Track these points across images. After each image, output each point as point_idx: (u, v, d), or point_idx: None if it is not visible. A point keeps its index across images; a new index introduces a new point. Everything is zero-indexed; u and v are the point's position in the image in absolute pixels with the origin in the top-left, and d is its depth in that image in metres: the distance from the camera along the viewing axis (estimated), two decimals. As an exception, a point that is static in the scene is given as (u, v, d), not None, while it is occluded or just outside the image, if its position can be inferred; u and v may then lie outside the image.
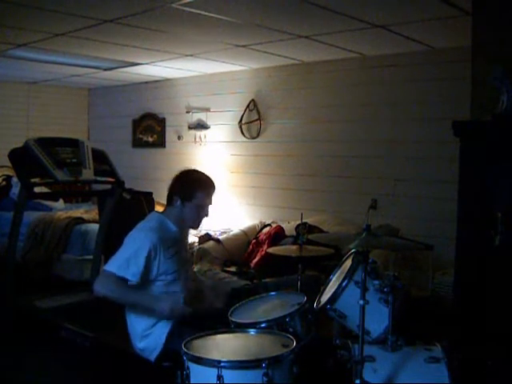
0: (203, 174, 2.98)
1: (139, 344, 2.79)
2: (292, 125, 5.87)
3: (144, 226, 2.79)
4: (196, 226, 3.02)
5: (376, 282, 2.46)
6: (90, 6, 3.75)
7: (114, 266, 2.64)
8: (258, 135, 6.13)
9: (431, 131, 4.72)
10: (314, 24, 4.15)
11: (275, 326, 2.64)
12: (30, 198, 4.52)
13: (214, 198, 2.97)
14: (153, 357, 2.75)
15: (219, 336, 2.48)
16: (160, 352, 2.74)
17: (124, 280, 2.64)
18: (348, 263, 2.70)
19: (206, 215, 2.92)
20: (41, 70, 6.47)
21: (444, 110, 4.56)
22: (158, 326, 2.75)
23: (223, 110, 6.48)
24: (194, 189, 2.86)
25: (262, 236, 5.18)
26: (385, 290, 2.41)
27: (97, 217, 5.83)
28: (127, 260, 2.65)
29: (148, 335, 2.75)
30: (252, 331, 2.54)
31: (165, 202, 2.97)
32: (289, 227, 5.12)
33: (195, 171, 3.01)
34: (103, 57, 5.58)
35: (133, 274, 2.64)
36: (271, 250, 3.82)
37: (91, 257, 5.29)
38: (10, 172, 6.40)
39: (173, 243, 2.83)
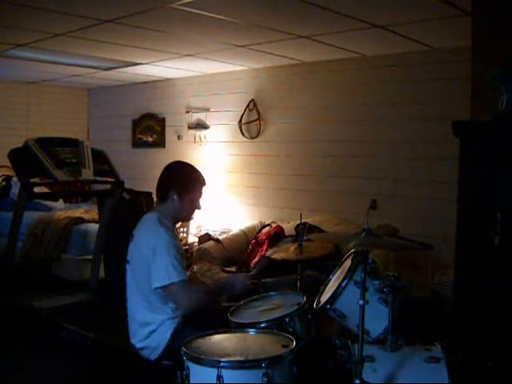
0: (194, 166, 3.01)
1: (141, 342, 2.77)
2: (292, 125, 5.87)
3: (157, 229, 2.75)
4: (190, 219, 3.17)
5: (376, 282, 2.46)
6: (89, 6, 3.75)
7: (178, 275, 2.64)
8: (257, 135, 6.12)
9: (431, 131, 4.71)
10: (314, 24, 4.15)
11: (275, 326, 2.64)
12: (29, 198, 4.53)
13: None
14: (154, 356, 2.74)
15: (219, 336, 2.48)
16: (162, 351, 2.72)
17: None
18: (348, 263, 2.70)
19: (199, 208, 2.94)
20: (41, 70, 6.47)
21: (444, 110, 4.56)
22: (162, 325, 2.74)
23: (223, 110, 6.47)
24: (192, 182, 2.89)
25: (261, 236, 5.18)
26: (384, 290, 2.41)
27: (96, 217, 5.83)
28: (179, 263, 2.68)
29: (151, 333, 2.74)
30: (252, 331, 2.54)
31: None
32: (288, 227, 5.12)
33: (185, 164, 3.04)
34: (103, 57, 5.58)
35: (185, 273, 2.71)
36: (270, 254, 3.80)
37: (91, 257, 5.29)
38: (10, 172, 6.40)
39: (176, 239, 2.85)
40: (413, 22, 3.95)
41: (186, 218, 3.09)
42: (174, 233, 2.87)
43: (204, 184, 2.95)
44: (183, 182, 2.87)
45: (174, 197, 2.83)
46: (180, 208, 2.86)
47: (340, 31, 4.29)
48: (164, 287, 2.64)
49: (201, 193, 2.92)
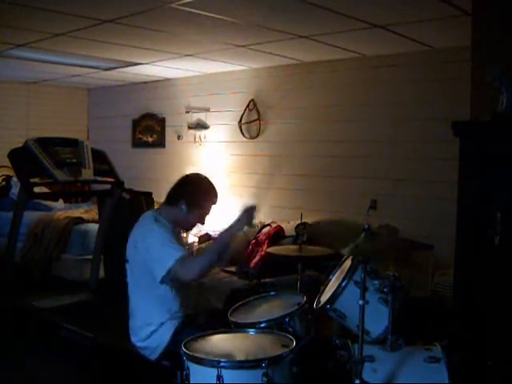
0: (210, 182, 2.99)
1: (142, 342, 2.78)
2: (292, 125, 5.87)
3: (150, 225, 2.76)
4: (190, 230, 3.20)
5: (376, 282, 2.46)
6: (89, 6, 3.75)
7: (174, 253, 2.61)
8: (257, 135, 6.12)
9: (431, 131, 4.71)
10: (314, 24, 4.15)
11: (275, 326, 2.64)
12: (29, 198, 4.53)
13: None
14: (154, 356, 2.74)
15: (219, 336, 2.48)
16: (162, 352, 2.73)
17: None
18: (348, 263, 2.71)
19: (203, 223, 2.97)
20: (41, 70, 6.47)
21: (444, 110, 4.55)
22: (164, 325, 2.74)
23: (223, 110, 6.47)
24: (204, 198, 2.90)
25: (261, 236, 5.18)
26: (384, 290, 2.41)
27: (96, 217, 5.84)
28: (172, 243, 2.67)
29: (152, 334, 2.74)
30: (252, 331, 2.55)
31: (164, 202, 2.97)
32: (288, 227, 5.12)
33: (204, 178, 3.00)
34: (103, 57, 5.58)
35: (180, 249, 2.67)
36: (271, 249, 3.83)
37: (91, 257, 5.29)
38: (10, 172, 6.40)
39: (174, 237, 2.84)
40: (413, 22, 3.95)
41: (188, 228, 3.13)
42: (169, 230, 2.84)
43: (215, 202, 2.96)
44: (196, 197, 2.88)
45: (183, 207, 2.84)
46: (185, 218, 2.88)
47: (340, 31, 4.29)
48: (167, 273, 2.62)
49: (210, 210, 2.94)
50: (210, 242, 5.38)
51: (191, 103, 6.79)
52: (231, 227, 2.75)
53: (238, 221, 2.74)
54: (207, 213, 2.94)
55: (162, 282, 2.66)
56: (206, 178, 3.01)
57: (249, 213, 2.75)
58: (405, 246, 2.90)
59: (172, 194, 2.91)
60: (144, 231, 2.77)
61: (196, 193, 2.89)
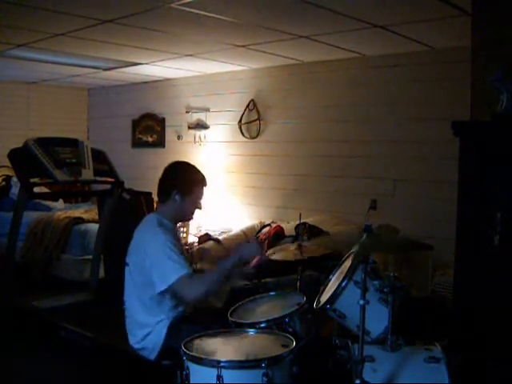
0: (195, 166, 3.03)
1: (139, 344, 2.78)
2: (292, 125, 5.87)
3: (154, 230, 2.75)
4: (190, 219, 3.11)
5: (376, 282, 2.46)
6: (89, 6, 3.75)
7: (180, 269, 2.61)
8: (257, 135, 6.13)
9: (431, 131, 4.71)
10: (314, 24, 4.15)
11: (275, 326, 2.64)
12: (29, 198, 4.53)
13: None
14: (153, 356, 2.74)
15: (219, 336, 2.48)
16: (160, 351, 2.73)
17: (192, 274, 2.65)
18: (348, 263, 2.70)
19: (200, 208, 2.95)
20: (41, 70, 6.47)
21: (444, 109, 4.55)
22: (157, 325, 2.74)
23: (223, 110, 6.47)
24: (193, 182, 2.91)
25: (261, 236, 5.17)
26: (384, 290, 2.41)
27: (96, 217, 5.84)
28: (178, 257, 2.65)
29: (148, 335, 2.75)
30: (251, 331, 2.54)
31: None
32: (288, 227, 5.12)
33: (187, 164, 3.07)
34: (103, 57, 5.58)
35: (185, 266, 2.65)
36: (270, 254, 3.79)
37: (91, 257, 5.29)
38: (10, 172, 6.41)
39: (175, 239, 2.84)
40: (413, 22, 3.95)
41: (187, 217, 3.09)
42: (173, 233, 2.87)
43: (205, 184, 2.96)
44: (185, 183, 2.88)
45: (176, 197, 2.84)
46: (181, 208, 2.87)
47: (340, 31, 4.29)
48: (168, 288, 2.63)
49: (202, 193, 2.94)
50: (211, 242, 5.37)
51: (191, 103, 6.79)
52: (233, 264, 2.75)
53: (240, 257, 2.75)
54: (200, 197, 2.93)
55: (160, 294, 2.68)
56: (187, 162, 3.07)
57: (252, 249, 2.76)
58: (405, 246, 2.89)
59: (162, 190, 2.92)
60: (148, 237, 2.76)
61: (184, 179, 2.90)
